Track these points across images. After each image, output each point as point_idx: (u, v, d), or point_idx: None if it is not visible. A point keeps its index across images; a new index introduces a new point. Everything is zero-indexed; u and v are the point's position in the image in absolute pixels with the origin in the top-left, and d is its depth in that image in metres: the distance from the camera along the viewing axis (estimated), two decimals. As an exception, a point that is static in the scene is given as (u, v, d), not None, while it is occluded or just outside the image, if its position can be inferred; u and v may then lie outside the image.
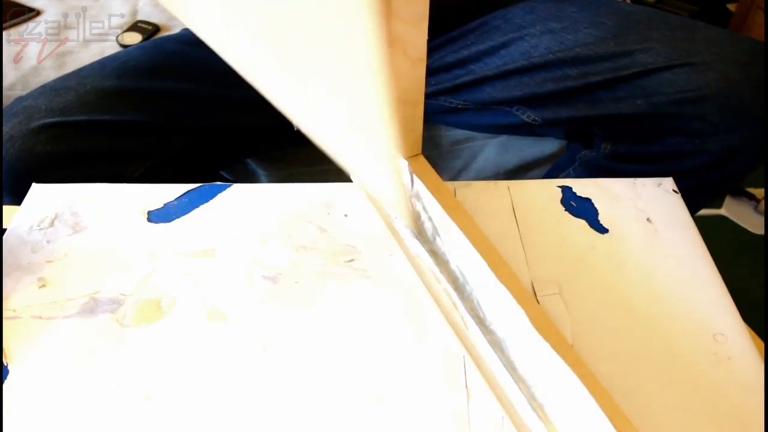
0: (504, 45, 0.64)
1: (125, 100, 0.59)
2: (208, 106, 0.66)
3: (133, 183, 0.51)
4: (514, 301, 0.36)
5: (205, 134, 0.66)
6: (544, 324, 0.38)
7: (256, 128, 0.71)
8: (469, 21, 0.67)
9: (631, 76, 0.56)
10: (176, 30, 0.90)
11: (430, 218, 0.43)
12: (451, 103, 0.72)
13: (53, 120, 0.54)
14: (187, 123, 0.64)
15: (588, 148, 0.67)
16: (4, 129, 0.54)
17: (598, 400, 0.33)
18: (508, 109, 0.67)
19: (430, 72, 0.68)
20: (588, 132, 0.65)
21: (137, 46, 0.70)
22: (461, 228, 0.41)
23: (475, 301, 0.39)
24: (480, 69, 0.66)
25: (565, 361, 0.34)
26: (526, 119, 0.66)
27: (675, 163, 0.57)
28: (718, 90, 0.51)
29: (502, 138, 0.84)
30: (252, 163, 0.83)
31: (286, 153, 0.80)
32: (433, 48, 0.67)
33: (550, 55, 0.60)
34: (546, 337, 0.37)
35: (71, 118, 0.55)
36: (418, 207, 0.44)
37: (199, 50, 0.69)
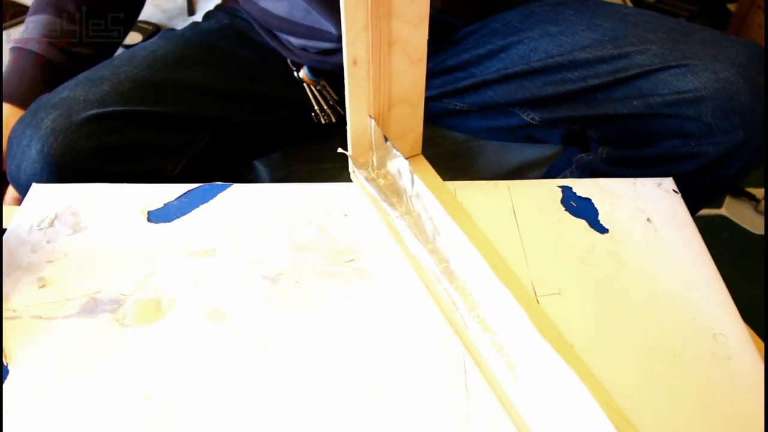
0: (503, 48, 0.64)
1: (157, 91, 0.59)
2: (230, 99, 0.66)
3: (174, 179, 0.50)
4: (514, 300, 0.36)
5: (228, 128, 0.66)
6: (544, 324, 0.38)
7: (277, 123, 0.71)
8: (469, 24, 0.67)
9: (628, 78, 0.56)
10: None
11: (430, 218, 0.43)
12: (454, 105, 0.72)
13: (93, 112, 0.54)
14: (212, 115, 0.64)
15: (585, 151, 0.67)
16: (46, 122, 0.53)
17: (598, 400, 0.33)
18: (510, 109, 0.68)
19: (432, 75, 0.68)
20: (585, 136, 0.66)
21: (161, 36, 0.70)
22: (461, 228, 0.41)
23: (475, 301, 0.39)
24: (481, 73, 0.66)
25: (565, 361, 0.34)
26: (527, 119, 0.67)
27: (672, 166, 0.56)
28: (714, 91, 0.51)
29: (502, 138, 0.84)
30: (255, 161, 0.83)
31: (287, 152, 0.81)
32: (434, 51, 0.67)
33: (549, 59, 0.60)
34: (546, 337, 0.37)
35: (109, 109, 0.55)
36: (419, 206, 0.44)
37: (222, 42, 0.69)
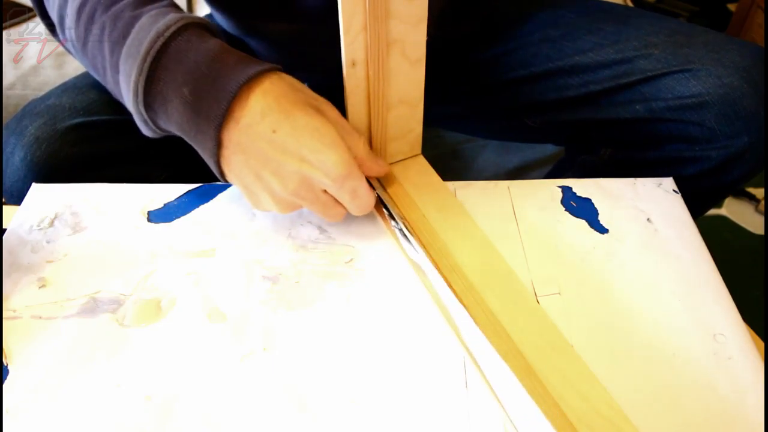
0: (504, 54, 0.63)
1: None
2: None
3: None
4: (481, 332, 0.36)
5: None
6: (543, 324, 0.38)
7: None
8: (470, 30, 0.67)
9: (631, 84, 0.56)
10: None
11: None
12: (454, 110, 0.72)
13: (78, 120, 0.54)
14: None
15: (588, 153, 0.67)
16: (29, 129, 0.53)
17: (597, 400, 0.33)
18: (510, 114, 0.67)
19: (432, 80, 0.69)
20: (587, 138, 0.65)
21: None
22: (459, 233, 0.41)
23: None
24: (481, 78, 0.66)
25: (560, 363, 0.34)
26: (528, 122, 0.66)
27: (674, 169, 0.56)
28: (718, 96, 0.51)
29: (502, 138, 0.84)
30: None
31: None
32: (434, 57, 0.67)
33: (550, 64, 0.60)
34: (545, 337, 0.37)
35: (95, 118, 0.55)
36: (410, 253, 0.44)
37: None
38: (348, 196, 0.41)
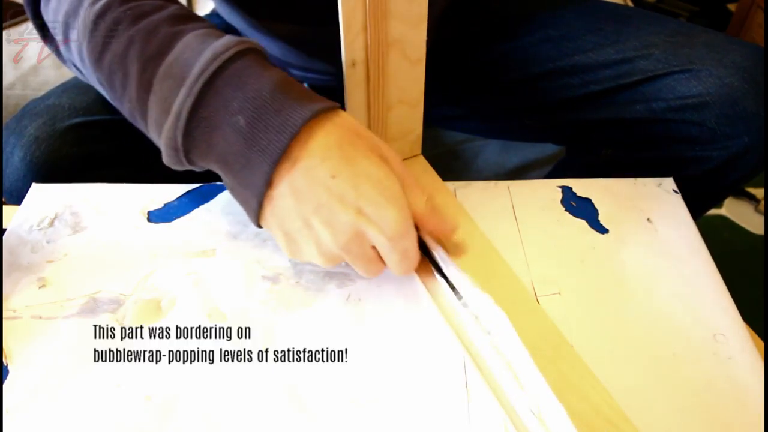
0: (505, 54, 0.63)
1: None
2: None
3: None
4: (500, 311, 0.36)
5: None
6: (543, 324, 0.38)
7: None
8: (470, 30, 0.67)
9: (631, 84, 0.56)
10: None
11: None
12: (454, 111, 0.72)
13: (77, 120, 0.54)
14: None
15: (588, 153, 0.67)
16: (29, 129, 0.53)
17: (595, 400, 0.33)
18: (510, 114, 0.67)
19: (433, 80, 0.69)
20: (588, 138, 0.65)
21: None
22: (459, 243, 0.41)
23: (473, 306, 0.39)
24: (482, 78, 0.66)
25: (556, 364, 0.34)
26: (528, 122, 0.67)
27: (675, 169, 0.56)
28: (719, 96, 0.51)
29: (503, 138, 0.84)
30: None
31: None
32: (434, 58, 0.67)
33: (550, 64, 0.60)
34: (545, 338, 0.37)
35: (95, 118, 0.54)
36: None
37: None
38: (398, 257, 0.37)
